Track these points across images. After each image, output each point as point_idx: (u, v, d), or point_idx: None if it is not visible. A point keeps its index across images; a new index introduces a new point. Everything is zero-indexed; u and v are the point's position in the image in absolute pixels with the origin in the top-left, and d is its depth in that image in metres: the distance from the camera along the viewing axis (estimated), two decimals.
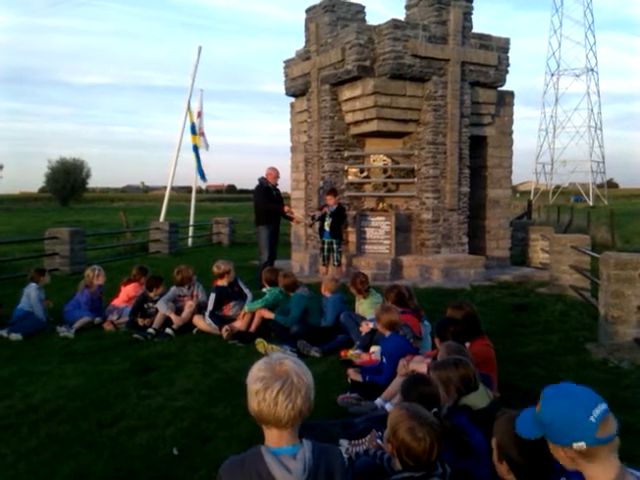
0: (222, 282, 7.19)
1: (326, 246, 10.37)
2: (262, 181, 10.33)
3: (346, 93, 11.44)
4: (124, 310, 7.45)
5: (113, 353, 6.11)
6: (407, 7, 11.71)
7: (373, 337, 5.53)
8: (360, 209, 11.67)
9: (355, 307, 6.69)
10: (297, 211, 12.35)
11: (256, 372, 1.94)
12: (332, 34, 11.69)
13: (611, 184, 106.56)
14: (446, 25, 11.06)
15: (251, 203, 11.22)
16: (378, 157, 11.72)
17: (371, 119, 11.09)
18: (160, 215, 18.25)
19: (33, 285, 7.29)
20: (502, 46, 11.88)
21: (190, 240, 19.43)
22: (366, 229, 11.44)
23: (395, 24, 10.60)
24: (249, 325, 6.78)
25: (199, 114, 18.69)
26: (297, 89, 12.95)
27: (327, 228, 10.29)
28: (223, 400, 4.64)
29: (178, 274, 7.38)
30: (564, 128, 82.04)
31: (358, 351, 5.61)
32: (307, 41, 12.60)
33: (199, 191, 28.26)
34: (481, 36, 11.61)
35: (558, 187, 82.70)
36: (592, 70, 79.91)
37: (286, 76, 13.38)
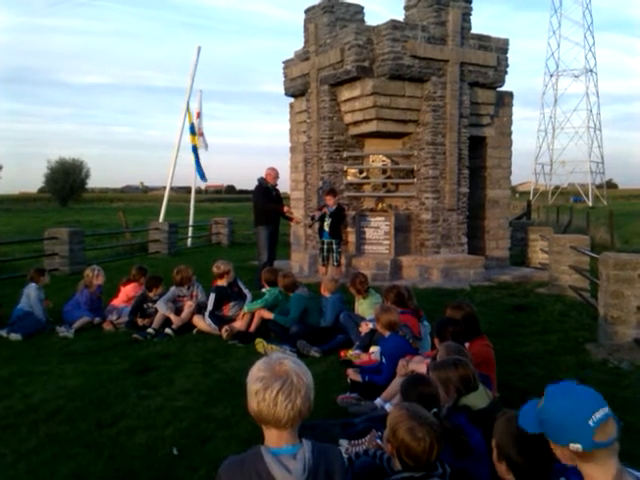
0: (222, 282, 7.19)
1: (325, 246, 10.37)
2: (261, 181, 10.33)
3: (345, 93, 11.44)
4: (123, 310, 7.45)
5: (112, 353, 6.11)
6: (406, 8, 11.71)
7: (373, 337, 5.53)
8: (359, 209, 11.67)
9: (355, 307, 6.70)
10: (296, 211, 12.34)
11: (256, 372, 1.94)
12: (331, 35, 11.69)
13: (610, 185, 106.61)
14: (445, 26, 11.06)
15: (250, 203, 11.21)
16: (377, 157, 11.72)
17: (370, 119, 11.09)
18: (159, 215, 18.26)
19: (33, 285, 7.29)
20: (501, 47, 11.89)
21: (189, 240, 19.43)
22: (365, 229, 11.44)
23: (394, 25, 10.60)
24: (249, 325, 6.78)
25: (198, 114, 18.69)
26: (296, 89, 12.96)
27: (326, 228, 10.29)
28: (223, 400, 4.64)
29: (177, 274, 7.38)
30: (563, 129, 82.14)
31: (358, 351, 5.61)
32: (306, 41, 12.60)
33: (198, 191, 28.28)
34: (480, 37, 11.62)
35: (557, 187, 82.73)
36: (591, 71, 79.97)
37: (285, 76, 13.39)
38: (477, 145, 12.27)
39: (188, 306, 7.11)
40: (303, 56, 12.63)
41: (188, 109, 17.99)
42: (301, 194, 13.12)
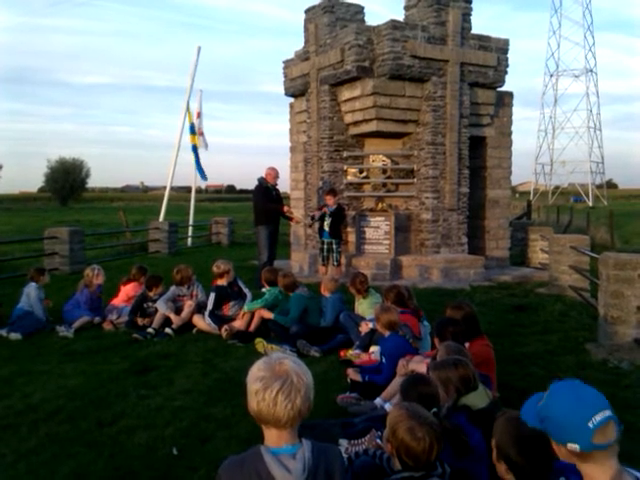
0: (222, 282, 7.19)
1: (325, 246, 10.38)
2: (261, 181, 10.33)
3: (345, 93, 11.44)
4: (123, 310, 7.45)
5: (112, 353, 6.11)
6: (406, 8, 11.71)
7: (372, 337, 5.53)
8: (359, 209, 11.67)
9: (355, 307, 6.70)
10: (296, 211, 12.34)
11: (256, 372, 1.94)
12: (331, 35, 11.69)
13: (610, 185, 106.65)
14: (445, 26, 11.06)
15: (250, 203, 11.21)
16: (377, 157, 11.72)
17: (370, 119, 11.09)
18: (159, 215, 18.27)
19: (33, 284, 7.29)
20: (501, 47, 11.89)
21: (189, 240, 19.43)
22: (365, 229, 11.45)
23: (394, 25, 10.60)
24: (248, 325, 6.78)
25: (198, 114, 18.70)
26: (296, 89, 12.96)
27: (326, 228, 10.30)
28: (222, 400, 4.64)
29: (177, 274, 7.38)
30: (563, 129, 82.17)
31: (357, 351, 5.61)
32: (306, 41, 12.60)
33: (198, 191, 28.30)
34: (480, 37, 11.62)
35: (557, 187, 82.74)
36: (591, 71, 79.98)
37: (285, 76, 13.39)
38: (477, 145, 12.27)
39: (188, 306, 7.11)
40: (303, 56, 12.63)
41: (188, 109, 18.00)
42: (301, 194, 13.12)
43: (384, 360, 4.79)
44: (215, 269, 7.23)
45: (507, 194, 13.05)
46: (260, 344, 6.11)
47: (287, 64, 13.36)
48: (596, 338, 6.48)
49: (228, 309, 7.14)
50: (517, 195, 70.04)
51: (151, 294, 7.33)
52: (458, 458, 2.70)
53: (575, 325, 7.38)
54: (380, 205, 11.61)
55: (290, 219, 11.09)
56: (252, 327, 6.74)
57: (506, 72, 11.99)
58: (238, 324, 6.81)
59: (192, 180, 19.44)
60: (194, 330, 7.00)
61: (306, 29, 12.60)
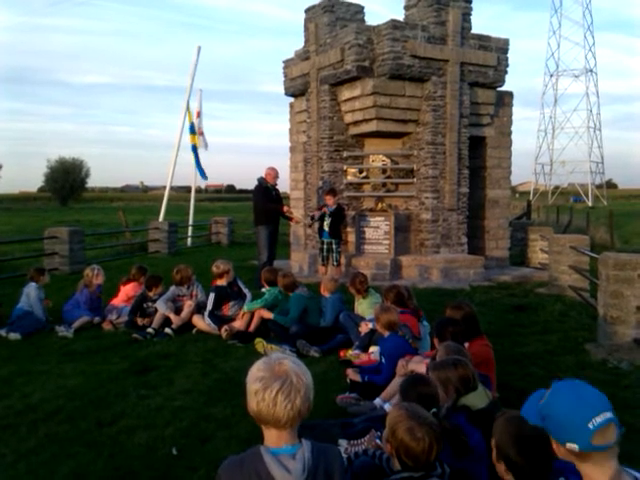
0: (221, 282, 7.19)
1: (325, 246, 10.38)
2: (261, 181, 10.33)
3: (345, 93, 11.44)
4: (123, 310, 7.45)
5: (112, 353, 6.11)
6: (406, 8, 11.71)
7: (372, 337, 5.53)
8: (359, 209, 11.68)
9: (354, 307, 6.70)
10: (296, 211, 12.35)
11: (255, 372, 1.94)
12: (331, 34, 11.69)
13: (610, 185, 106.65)
14: (445, 26, 11.06)
15: (250, 203, 11.21)
16: (377, 157, 11.72)
17: (370, 119, 11.09)
18: (159, 215, 18.26)
19: (33, 284, 7.29)
20: (501, 47, 11.89)
21: (189, 240, 19.43)
22: (365, 229, 11.45)
23: (394, 24, 10.60)
24: (248, 325, 6.78)
25: (198, 114, 18.70)
26: (296, 89, 12.95)
27: (326, 228, 10.30)
28: (222, 400, 4.64)
29: (177, 274, 7.38)
30: (563, 129, 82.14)
31: (357, 351, 5.61)
32: (306, 41, 12.60)
33: (198, 191, 28.30)
34: (480, 37, 11.62)
35: (557, 187, 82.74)
36: (591, 71, 79.96)
37: (285, 76, 13.39)
38: (477, 145, 12.27)
39: (188, 306, 7.11)
40: (303, 56, 12.63)
41: (188, 108, 18.00)
42: (301, 194, 13.12)
43: (384, 360, 4.79)
44: (215, 269, 7.23)
45: (507, 194, 13.05)
46: (260, 344, 6.11)
47: (287, 64, 13.36)
48: (596, 338, 6.48)
49: (228, 309, 7.14)
50: (517, 195, 70.04)
51: (151, 294, 7.33)
52: (458, 458, 2.70)
53: (575, 325, 7.38)
54: (380, 205, 11.61)
55: (290, 219, 11.09)
56: (252, 327, 6.74)
57: (506, 72, 11.99)
58: (238, 324, 6.81)
59: (192, 180, 19.46)
60: (194, 330, 7.00)
61: (306, 29, 12.60)
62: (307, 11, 12.58)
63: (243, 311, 6.90)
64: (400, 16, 11.57)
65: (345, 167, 11.76)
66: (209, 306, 7.02)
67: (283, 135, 14.28)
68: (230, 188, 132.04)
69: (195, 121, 18.37)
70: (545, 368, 5.53)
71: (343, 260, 10.75)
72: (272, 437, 1.94)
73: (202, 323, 6.98)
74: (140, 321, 7.16)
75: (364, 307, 6.46)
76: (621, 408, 4.14)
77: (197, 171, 18.81)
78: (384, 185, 11.71)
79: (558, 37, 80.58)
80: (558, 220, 24.48)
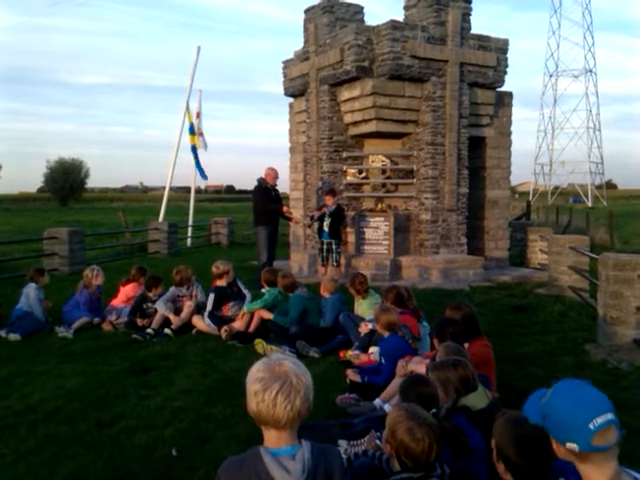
0: (221, 282, 7.19)
1: (325, 247, 10.38)
2: (261, 181, 10.33)
3: (345, 94, 11.44)
4: (123, 310, 7.45)
5: (112, 353, 6.11)
6: (406, 8, 11.72)
7: (372, 338, 5.53)
8: (359, 210, 11.68)
9: (354, 308, 6.70)
10: (296, 211, 12.35)
11: (255, 373, 1.94)
12: (331, 35, 11.69)
13: (610, 185, 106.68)
14: (445, 26, 11.07)
15: (250, 203, 11.22)
16: (377, 158, 11.72)
17: (370, 120, 11.09)
18: (159, 215, 18.27)
19: (32, 285, 7.29)
20: (501, 47, 11.89)
21: (189, 240, 19.44)
22: (365, 230, 11.45)
23: (394, 25, 10.61)
24: (248, 325, 6.78)
25: (198, 114, 18.70)
26: (296, 89, 12.96)
27: (326, 229, 10.30)
28: (222, 400, 4.64)
29: (177, 274, 7.38)
30: (563, 129, 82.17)
31: (357, 352, 5.61)
32: (306, 42, 12.60)
33: (198, 191, 28.29)
34: (480, 37, 11.63)
35: (557, 188, 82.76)
36: (591, 71, 79.99)
37: (285, 76, 13.39)
38: (477, 145, 12.27)
39: (187, 306, 7.11)
40: (303, 56, 12.64)
41: (188, 109, 18.01)
42: (300, 194, 13.12)
43: (383, 361, 4.79)
44: (214, 270, 7.23)
45: (506, 194, 13.06)
46: (259, 345, 6.11)
47: (287, 64, 13.36)
48: (595, 339, 6.48)
49: (227, 310, 7.14)
50: (516, 195, 70.00)
51: (150, 295, 7.33)
52: (457, 459, 2.70)
53: (574, 326, 7.38)
54: (379, 205, 11.61)
55: (289, 219, 11.09)
56: (252, 328, 6.74)
57: (506, 72, 12.00)
58: (238, 325, 6.81)
59: (191, 180, 19.46)
60: (194, 331, 7.00)
61: (306, 29, 12.60)
62: (307, 11, 12.58)
63: (243, 312, 6.90)
64: (400, 16, 11.59)
65: (345, 167, 11.76)
66: (209, 307, 7.02)
67: (283, 135, 14.29)
68: (230, 188, 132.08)
69: (195, 121, 18.38)
70: (545, 368, 5.54)
71: (343, 260, 10.75)
72: (272, 438, 1.94)
73: (202, 323, 6.98)
74: (140, 322, 7.15)
75: (364, 308, 6.46)
76: (620, 409, 4.10)
77: (197, 171, 18.81)
78: (384, 185, 11.71)
79: (558, 37, 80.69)
80: (558, 220, 24.50)
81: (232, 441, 3.84)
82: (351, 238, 11.57)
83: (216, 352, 6.16)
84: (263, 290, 7.21)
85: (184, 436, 3.97)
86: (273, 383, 1.88)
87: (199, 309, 7.16)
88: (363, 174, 11.84)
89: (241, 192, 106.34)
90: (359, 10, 12.57)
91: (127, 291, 7.81)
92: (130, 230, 19.13)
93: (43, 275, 7.60)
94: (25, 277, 7.85)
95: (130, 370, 5.49)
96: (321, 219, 10.35)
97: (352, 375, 4.88)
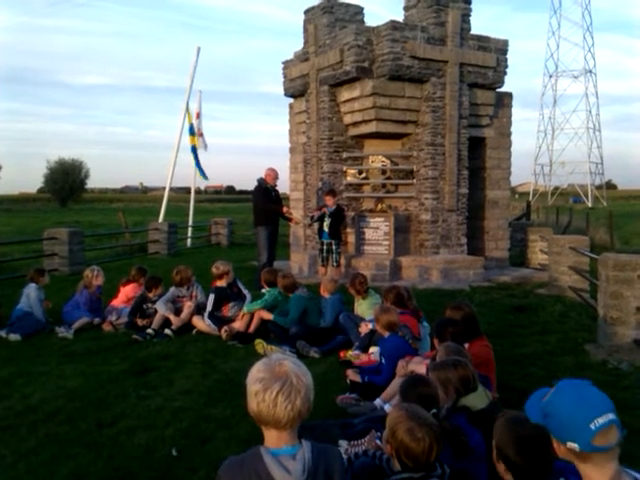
0: (221, 283, 7.19)
1: (325, 247, 10.38)
2: (261, 182, 10.34)
3: (345, 94, 11.45)
4: (123, 311, 7.45)
5: (112, 354, 6.11)
6: (405, 8, 11.73)
7: (372, 338, 5.53)
8: (359, 210, 11.68)
9: (354, 308, 6.70)
10: (296, 212, 12.35)
11: (255, 373, 1.94)
12: (331, 35, 11.70)
13: (610, 185, 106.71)
14: (444, 27, 11.07)
15: (250, 204, 11.22)
16: (377, 158, 11.73)
17: (370, 120, 11.10)
18: (159, 216, 18.27)
19: (33, 285, 7.29)
20: (500, 48, 11.90)
21: (189, 241, 19.44)
22: (365, 230, 11.45)
23: (394, 25, 10.61)
24: (248, 326, 6.78)
25: (198, 115, 18.71)
26: (296, 90, 12.96)
27: (326, 229, 10.30)
28: (222, 401, 4.64)
29: (177, 275, 7.38)
30: (562, 129, 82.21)
31: (357, 352, 5.61)
32: (306, 42, 12.61)
33: (198, 192, 28.33)
34: (479, 38, 11.63)
35: (557, 188, 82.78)
36: (590, 72, 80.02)
37: (285, 77, 13.39)
38: (476, 146, 12.27)
39: (187, 307, 7.11)
40: (303, 57, 12.64)
41: (188, 109, 18.01)
42: (300, 195, 13.12)
43: (383, 361, 4.79)
44: (214, 270, 7.23)
45: (506, 195, 13.06)
46: (260, 345, 6.11)
47: (286, 65, 13.36)
48: (595, 339, 6.48)
49: (228, 310, 7.14)
50: (516, 196, 70.01)
51: (151, 295, 7.33)
52: (458, 459, 2.70)
53: (574, 326, 7.38)
54: (379, 206, 11.61)
55: (289, 220, 11.10)
56: (252, 328, 6.74)
57: (505, 73, 12.00)
58: (238, 325, 6.81)
59: (191, 181, 19.47)
60: (194, 331, 7.00)
61: (305, 30, 12.61)
62: (306, 12, 12.59)
63: (243, 312, 6.90)
64: (399, 17, 11.59)
65: (345, 168, 11.76)
66: (209, 307, 7.02)
67: (283, 136, 14.30)
68: (230, 189, 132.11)
69: (195, 122, 18.39)
70: (545, 369, 5.54)
71: (343, 261, 10.75)
72: (272, 438, 1.94)
73: (202, 324, 6.98)
74: (140, 322, 7.15)
75: (364, 308, 6.46)
76: (621, 409, 4.10)
77: (198, 171, 18.82)
78: (384, 186, 11.72)
79: (557, 38, 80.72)
80: (558, 221, 24.50)
81: (232, 441, 3.84)
82: (351, 238, 11.57)
83: (216, 352, 6.16)
84: (263, 290, 7.21)
85: (184, 436, 3.97)
86: (273, 383, 1.88)
87: (199, 309, 7.16)
88: (363, 174, 11.85)
89: (241, 192, 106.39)
90: (359, 11, 12.57)
91: (127, 291, 7.81)
92: (130, 231, 19.13)
93: (43, 275, 7.60)
94: (25, 277, 7.85)
95: (130, 370, 5.49)
96: (321, 219, 10.35)
97: (352, 375, 4.89)
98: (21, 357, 6.01)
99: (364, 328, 5.86)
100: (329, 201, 10.24)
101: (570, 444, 1.70)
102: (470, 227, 11.98)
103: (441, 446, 2.43)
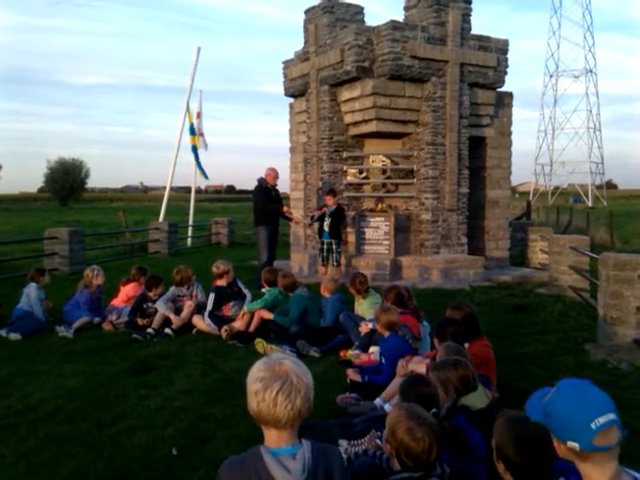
0: (221, 282, 7.19)
1: (325, 246, 10.38)
2: (261, 181, 10.34)
3: (345, 94, 11.44)
4: (123, 310, 7.45)
5: (112, 353, 6.11)
6: (406, 8, 11.72)
7: (372, 337, 5.53)
8: (359, 210, 11.68)
9: (354, 307, 6.70)
10: (296, 211, 12.35)
11: (255, 372, 1.94)
12: (331, 35, 11.70)
13: (610, 185, 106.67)
14: (445, 26, 11.07)
15: (250, 203, 11.22)
16: (377, 158, 11.72)
17: (370, 120, 11.10)
18: (159, 215, 18.27)
19: (33, 285, 7.29)
20: (501, 47, 11.89)
21: (189, 240, 19.44)
22: (365, 229, 11.45)
23: (394, 25, 10.61)
24: (248, 325, 6.78)
25: (198, 114, 18.70)
26: (296, 90, 12.96)
27: (326, 228, 10.30)
28: (222, 400, 4.64)
29: (177, 274, 7.38)
30: (563, 129, 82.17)
31: (357, 351, 5.62)
32: (306, 42, 12.61)
33: (198, 191, 28.33)
34: (480, 37, 11.63)
35: (557, 188, 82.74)
36: (591, 71, 79.96)
37: (285, 77, 13.39)
38: (477, 145, 12.27)
39: (188, 306, 7.11)
40: (303, 56, 12.64)
41: (188, 109, 18.01)
42: (301, 194, 13.13)
43: (384, 360, 4.79)
44: (215, 269, 7.23)
45: (507, 194, 13.06)
46: (260, 344, 6.11)
47: (287, 64, 13.36)
48: (595, 338, 6.48)
49: (228, 309, 7.14)
50: (517, 195, 69.99)
51: (151, 294, 7.33)
52: (457, 458, 2.70)
53: (574, 325, 7.38)
54: (380, 205, 11.61)
55: (290, 219, 11.09)
56: (252, 327, 6.74)
57: (506, 72, 12.00)
58: (238, 324, 6.81)
59: (192, 180, 19.47)
60: (194, 330, 7.00)
61: (306, 29, 12.60)
62: (307, 12, 12.59)
63: (243, 311, 6.90)
64: (400, 17, 11.59)
65: (345, 168, 11.76)
66: (209, 306, 7.02)
67: (283, 135, 14.30)
68: (230, 189, 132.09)
69: (195, 122, 18.38)
70: (545, 368, 5.54)
71: (343, 260, 10.75)
72: (272, 437, 1.94)
73: (202, 323, 6.98)
74: (140, 321, 7.16)
75: (364, 307, 6.47)
76: (621, 409, 4.09)
77: (199, 171, 18.82)
78: (384, 186, 11.72)
79: (558, 38, 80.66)
80: (558, 220, 24.49)
81: (232, 441, 3.84)
82: (351, 238, 11.57)
83: (216, 352, 6.16)
84: (263, 290, 7.21)
85: (184, 436, 3.97)
86: (274, 382, 1.88)
87: (199, 309, 7.16)
88: (363, 174, 11.84)
89: (241, 192, 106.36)
90: (359, 10, 12.57)
91: (127, 291, 7.81)
92: (130, 230, 19.13)
93: (44, 275, 7.60)
94: (26, 277, 7.86)
95: (130, 370, 5.50)
96: (321, 219, 10.35)
97: (352, 375, 4.88)
98: (21, 356, 6.01)
99: (364, 328, 5.86)
100: (329, 201, 10.24)
101: (570, 443, 1.70)
102: (470, 227, 11.98)
103: (441, 446, 2.43)
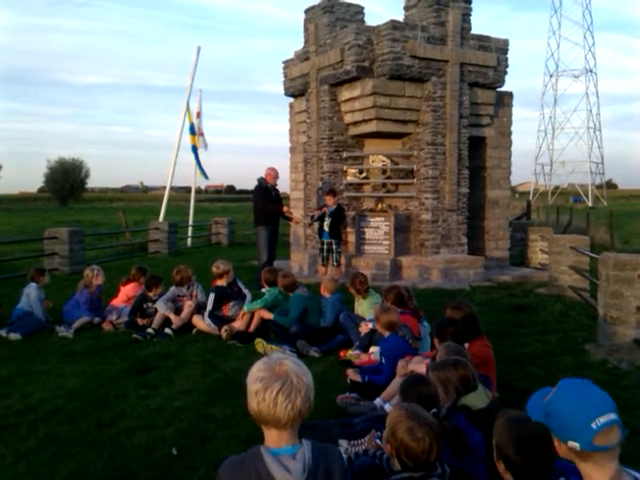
0: (221, 282, 7.19)
1: (325, 246, 10.38)
2: (261, 181, 10.34)
3: (345, 94, 11.44)
4: (123, 310, 7.45)
5: (112, 353, 6.11)
6: (406, 8, 11.72)
7: (372, 337, 5.53)
8: (359, 210, 11.68)
9: (354, 307, 6.70)
10: (296, 211, 12.35)
11: (256, 372, 1.94)
12: (331, 35, 11.70)
13: (610, 185, 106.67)
14: (445, 26, 11.07)
15: (250, 203, 11.22)
16: (377, 158, 11.72)
17: (370, 120, 11.09)
18: (159, 215, 18.27)
19: (33, 285, 7.29)
20: (501, 47, 11.89)
21: (189, 240, 19.44)
22: (365, 229, 11.45)
23: (394, 25, 10.61)
24: (248, 325, 6.78)
25: (198, 114, 18.70)
26: (296, 89, 12.96)
27: (326, 228, 10.30)
28: (222, 400, 4.64)
29: (177, 274, 7.38)
30: (563, 129, 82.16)
31: (357, 351, 5.62)
32: (306, 42, 12.61)
33: (198, 191, 28.33)
34: (480, 37, 11.63)
35: (557, 188, 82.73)
36: (591, 71, 79.96)
37: (285, 76, 13.39)
38: (477, 145, 12.27)
39: (188, 306, 7.11)
40: (303, 56, 12.64)
41: (188, 109, 18.01)
42: (301, 194, 13.13)
43: (384, 360, 4.79)
44: (215, 269, 7.23)
45: (507, 194, 13.06)
46: (260, 344, 6.11)
47: (287, 64, 13.36)
48: (595, 338, 6.48)
49: (228, 309, 7.14)
50: (517, 195, 69.98)
51: (151, 294, 7.33)
52: (458, 458, 2.70)
53: (574, 325, 7.38)
54: (380, 205, 11.61)
55: (290, 219, 11.09)
56: (252, 327, 6.74)
57: (506, 72, 12.00)
58: (238, 324, 6.81)
59: (192, 180, 19.47)
60: (194, 330, 7.00)
61: (306, 29, 12.60)
62: (307, 12, 12.59)
63: (243, 311, 6.90)
64: (400, 17, 11.59)
65: (345, 167, 11.76)
66: (209, 306, 7.02)
67: (283, 135, 14.30)
68: (230, 188, 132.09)
69: (195, 121, 18.38)
70: (545, 368, 5.54)
71: (343, 260, 10.75)
72: (272, 437, 1.94)
73: (202, 323, 6.98)
74: (140, 321, 7.16)
75: (364, 307, 6.46)
76: (621, 409, 4.09)
77: (199, 171, 18.82)
78: (384, 185, 11.71)
79: (558, 37, 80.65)
80: (558, 220, 24.49)
81: (232, 441, 3.84)
82: (351, 238, 11.57)
83: (216, 352, 6.16)
84: (263, 290, 7.21)
85: (184, 436, 3.97)
86: (274, 382, 1.88)
87: (199, 309, 7.16)
88: (363, 174, 11.84)
89: (241, 192, 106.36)
90: (359, 10, 12.57)
91: (127, 291, 7.81)
92: (130, 230, 19.13)
93: (44, 275, 7.60)
94: (26, 277, 7.86)
95: (130, 370, 5.50)
96: (321, 219, 10.35)
97: (352, 375, 4.88)
98: (21, 356, 6.01)
99: (364, 328, 5.86)
100: (329, 201, 10.24)
101: (571, 443, 1.70)
102: (470, 227, 11.98)
103: (441, 446, 2.43)
